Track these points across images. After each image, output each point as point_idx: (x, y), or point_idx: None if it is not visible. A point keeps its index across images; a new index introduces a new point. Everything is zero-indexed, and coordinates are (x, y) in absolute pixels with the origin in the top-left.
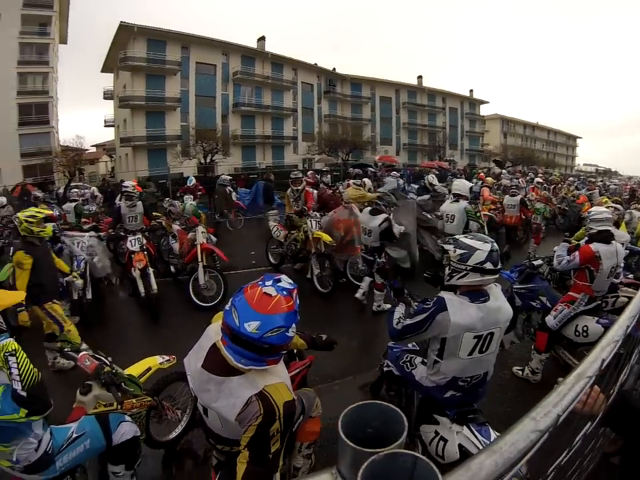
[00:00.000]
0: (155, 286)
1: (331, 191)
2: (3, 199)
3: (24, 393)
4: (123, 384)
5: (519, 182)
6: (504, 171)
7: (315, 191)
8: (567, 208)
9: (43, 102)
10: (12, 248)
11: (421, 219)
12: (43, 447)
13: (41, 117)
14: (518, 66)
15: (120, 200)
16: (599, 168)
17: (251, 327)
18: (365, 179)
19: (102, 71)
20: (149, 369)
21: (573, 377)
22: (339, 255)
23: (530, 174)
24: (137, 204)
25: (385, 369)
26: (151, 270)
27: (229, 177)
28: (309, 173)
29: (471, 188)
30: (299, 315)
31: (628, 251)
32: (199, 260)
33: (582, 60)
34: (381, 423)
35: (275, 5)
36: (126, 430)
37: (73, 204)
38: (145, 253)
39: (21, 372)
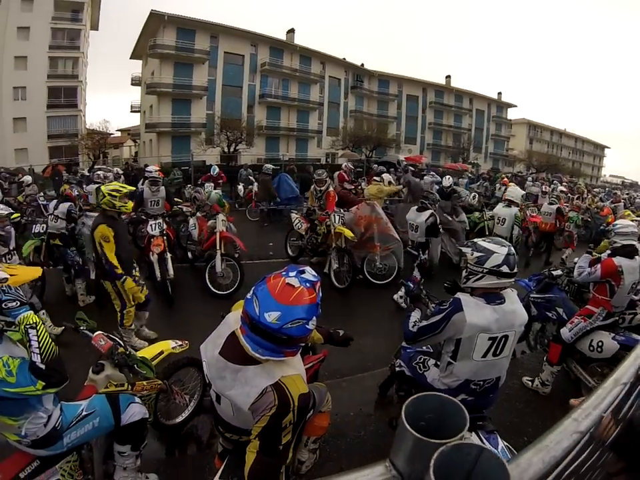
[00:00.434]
0: (171, 271)
1: (353, 187)
2: (28, 178)
3: (43, 366)
4: (135, 366)
5: (542, 189)
6: (529, 178)
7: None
8: (589, 219)
9: (72, 86)
10: (92, 223)
11: (442, 221)
12: (52, 422)
13: (69, 100)
14: (548, 70)
15: (143, 184)
16: (626, 180)
17: (271, 317)
18: (384, 174)
19: (131, 58)
20: (162, 352)
21: (610, 382)
22: (358, 251)
23: (555, 181)
24: (160, 189)
25: (397, 368)
26: (168, 255)
27: (272, 167)
28: (343, 165)
29: (523, 195)
30: (320, 309)
31: None
32: (217, 248)
33: (615, 67)
34: (436, 415)
35: None
36: (135, 411)
37: (95, 186)
38: (165, 237)
39: (40, 345)
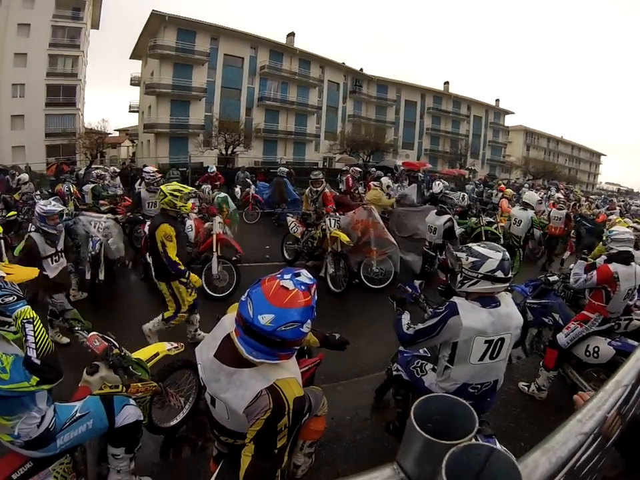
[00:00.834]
0: None
1: (351, 191)
2: (25, 176)
3: (38, 361)
4: (130, 367)
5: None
6: (525, 185)
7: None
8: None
9: (71, 84)
10: (151, 222)
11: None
12: (45, 423)
13: (67, 98)
14: (546, 78)
15: (140, 185)
16: (622, 188)
17: (265, 319)
18: (383, 179)
19: (131, 58)
20: (157, 354)
21: (611, 384)
22: (355, 255)
23: (552, 188)
24: (157, 190)
25: (394, 373)
26: None
27: (286, 170)
28: (351, 169)
29: (538, 200)
30: (315, 312)
31: None
32: (214, 250)
33: (612, 75)
34: (444, 417)
35: (306, 2)
36: (129, 413)
37: (91, 185)
38: None
39: (37, 340)
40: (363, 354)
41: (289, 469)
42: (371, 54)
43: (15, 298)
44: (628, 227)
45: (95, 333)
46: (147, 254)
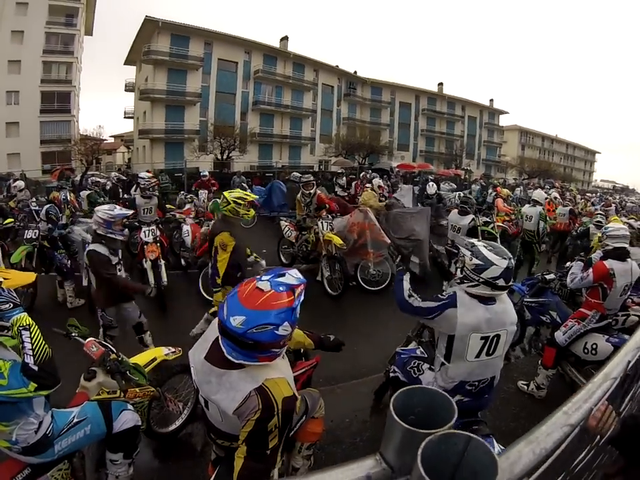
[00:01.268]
0: (165, 278)
1: (346, 194)
2: (21, 183)
3: (35, 367)
4: (128, 372)
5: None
6: (520, 185)
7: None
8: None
9: (66, 91)
10: (209, 227)
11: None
12: (43, 429)
13: (62, 105)
14: (540, 77)
15: (136, 191)
16: (617, 185)
17: (236, 321)
18: (374, 180)
19: (125, 64)
20: (154, 359)
21: (600, 377)
22: (351, 258)
23: (547, 187)
24: (152, 196)
25: (391, 374)
26: (162, 262)
27: (299, 175)
28: (361, 175)
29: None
30: (297, 313)
31: None
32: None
33: (606, 73)
34: (426, 409)
35: (299, 5)
36: (127, 418)
37: (88, 192)
38: (158, 244)
39: (34, 346)
40: (361, 356)
41: (288, 471)
42: (365, 56)
43: (12, 305)
44: (623, 223)
45: (92, 338)
46: (144, 260)
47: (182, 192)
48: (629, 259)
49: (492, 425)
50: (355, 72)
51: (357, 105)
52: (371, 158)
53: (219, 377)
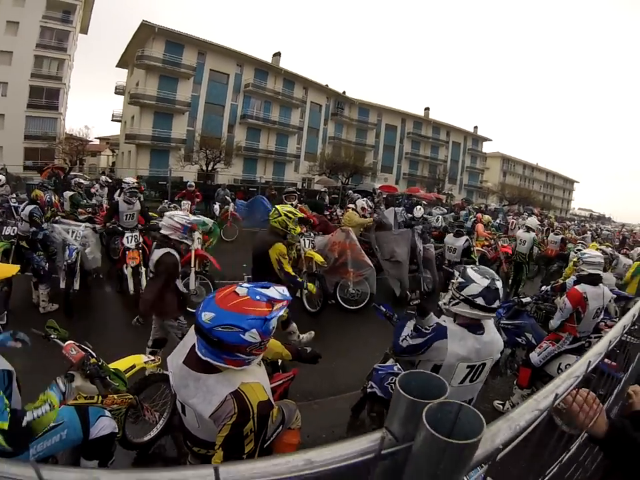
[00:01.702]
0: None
1: (328, 212)
2: (2, 177)
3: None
4: (107, 377)
5: (512, 221)
6: (500, 211)
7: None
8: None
9: (55, 87)
10: (260, 241)
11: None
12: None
13: (50, 101)
14: (523, 106)
15: (119, 196)
16: (594, 213)
17: (206, 316)
18: (358, 201)
19: (117, 66)
20: (134, 366)
21: (565, 375)
22: (331, 276)
23: (524, 214)
24: (135, 202)
25: (369, 390)
26: (143, 269)
27: (291, 189)
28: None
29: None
30: (272, 325)
31: (615, 296)
32: (192, 265)
33: (587, 105)
34: (420, 390)
35: (293, 24)
36: (105, 425)
37: (71, 193)
38: (140, 251)
39: None
40: (338, 372)
41: None
42: (354, 77)
43: None
44: (597, 249)
45: (71, 341)
46: (125, 266)
47: (165, 200)
48: (600, 284)
49: None
50: (344, 92)
51: (343, 125)
52: (354, 178)
53: (197, 381)
